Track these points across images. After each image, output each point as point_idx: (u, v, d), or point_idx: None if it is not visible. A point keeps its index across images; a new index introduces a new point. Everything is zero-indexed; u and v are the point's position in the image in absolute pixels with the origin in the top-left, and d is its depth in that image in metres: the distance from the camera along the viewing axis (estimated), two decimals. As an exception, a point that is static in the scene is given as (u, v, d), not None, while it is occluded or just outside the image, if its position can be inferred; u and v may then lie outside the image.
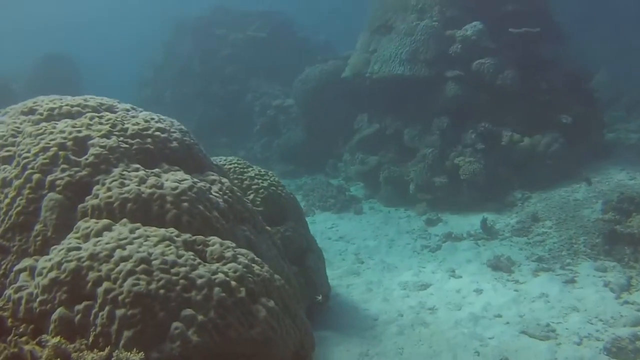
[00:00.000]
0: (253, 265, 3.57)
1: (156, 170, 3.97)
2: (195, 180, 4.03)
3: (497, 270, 8.57)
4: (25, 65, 22.65)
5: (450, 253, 9.53)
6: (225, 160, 7.04)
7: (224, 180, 4.43)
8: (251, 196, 6.71)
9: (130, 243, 3.25)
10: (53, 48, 24.94)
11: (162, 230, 3.45)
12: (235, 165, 7.03)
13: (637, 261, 8.25)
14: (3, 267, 3.44)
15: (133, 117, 4.39)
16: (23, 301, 3.09)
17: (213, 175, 4.40)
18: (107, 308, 2.93)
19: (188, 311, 2.99)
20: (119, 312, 2.91)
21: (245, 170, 7.04)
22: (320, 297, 7.07)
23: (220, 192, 4.21)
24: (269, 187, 6.91)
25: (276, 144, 16.49)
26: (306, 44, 21.78)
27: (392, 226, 11.16)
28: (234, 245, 3.66)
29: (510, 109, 12.06)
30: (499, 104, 12.05)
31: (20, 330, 2.99)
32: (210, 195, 4.02)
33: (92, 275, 3.04)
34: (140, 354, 2.74)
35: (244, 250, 3.69)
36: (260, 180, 6.94)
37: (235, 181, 6.77)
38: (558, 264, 8.56)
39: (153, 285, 3.02)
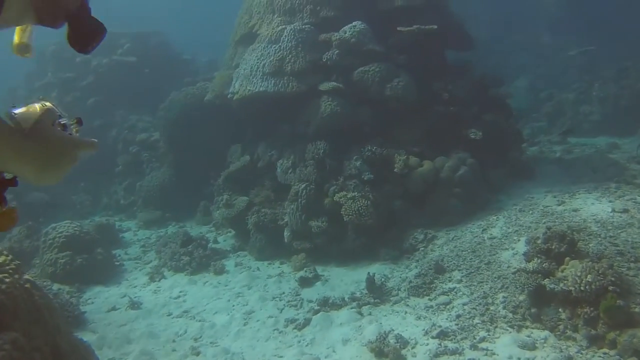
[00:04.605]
0: None
1: None
2: None
3: (382, 357, 5.92)
4: None
5: (322, 329, 6.85)
6: None
7: None
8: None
9: None
10: None
11: None
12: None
13: (578, 330, 5.75)
14: None
15: None
16: None
17: None
18: None
19: None
20: None
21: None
22: None
23: None
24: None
25: (139, 186, 13.32)
26: (189, 66, 18.92)
27: (257, 290, 8.32)
28: None
29: (405, 126, 9.56)
30: (390, 120, 9.53)
31: None
32: None
33: None
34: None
35: None
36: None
37: None
38: (468, 341, 6.03)
39: None
